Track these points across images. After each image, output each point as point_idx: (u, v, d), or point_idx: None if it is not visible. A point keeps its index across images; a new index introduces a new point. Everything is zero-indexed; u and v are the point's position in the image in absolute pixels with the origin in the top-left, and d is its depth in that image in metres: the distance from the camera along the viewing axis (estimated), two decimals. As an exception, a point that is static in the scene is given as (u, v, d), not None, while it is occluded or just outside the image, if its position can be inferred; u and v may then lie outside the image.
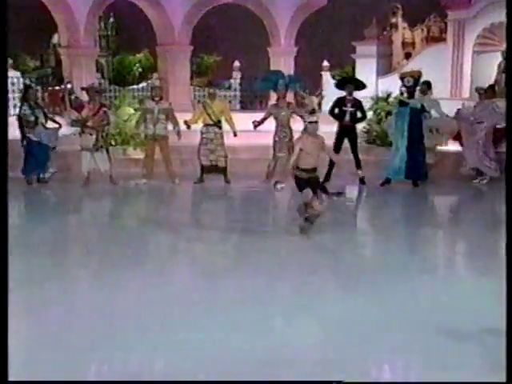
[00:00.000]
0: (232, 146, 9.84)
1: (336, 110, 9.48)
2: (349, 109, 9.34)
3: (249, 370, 3.42)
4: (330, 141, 9.77)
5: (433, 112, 9.73)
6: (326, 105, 10.15)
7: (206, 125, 9.44)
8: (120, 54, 19.94)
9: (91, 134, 9.17)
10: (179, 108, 10.80)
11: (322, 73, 15.53)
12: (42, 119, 9.35)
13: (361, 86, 9.78)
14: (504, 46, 11.93)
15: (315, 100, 8.26)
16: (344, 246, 5.90)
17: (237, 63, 18.14)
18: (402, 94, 9.35)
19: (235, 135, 9.44)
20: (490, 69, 12.39)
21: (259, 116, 9.76)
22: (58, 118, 10.14)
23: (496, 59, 12.38)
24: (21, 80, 13.96)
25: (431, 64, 12.56)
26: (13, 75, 13.43)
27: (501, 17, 11.81)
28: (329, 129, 9.54)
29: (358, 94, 9.66)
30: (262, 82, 10.71)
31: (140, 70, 19.35)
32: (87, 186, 9.20)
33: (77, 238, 7.05)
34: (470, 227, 7.22)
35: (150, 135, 9.52)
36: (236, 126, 9.55)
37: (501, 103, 9.38)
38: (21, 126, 9.21)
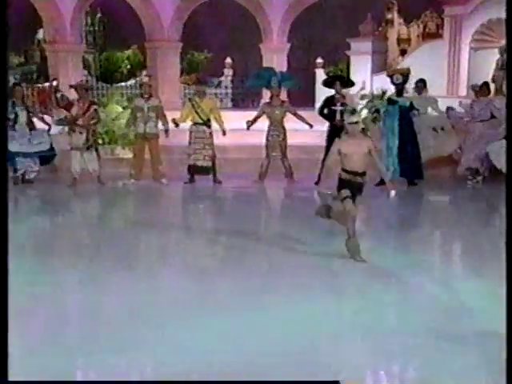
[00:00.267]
0: (223, 145, 9.87)
1: (325, 110, 9.45)
2: (339, 108, 9.30)
3: (240, 372, 3.45)
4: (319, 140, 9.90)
5: (429, 110, 9.80)
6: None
7: (195, 123, 9.46)
8: (107, 50, 19.90)
9: (81, 133, 9.18)
10: (169, 106, 10.83)
11: (316, 70, 15.58)
12: (23, 118, 9.29)
13: (349, 83, 9.80)
14: (502, 43, 12.03)
15: (355, 99, 8.18)
16: (337, 248, 5.93)
17: (228, 60, 18.16)
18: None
19: (224, 134, 9.46)
20: (488, 65, 12.45)
21: (252, 114, 9.80)
22: (46, 118, 10.12)
23: (494, 56, 12.44)
24: (5, 77, 13.91)
25: (427, 61, 12.66)
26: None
27: (498, 13, 11.91)
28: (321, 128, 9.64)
29: (351, 92, 9.69)
30: (254, 79, 10.71)
31: (128, 67, 19.32)
32: (74, 187, 9.20)
33: (62, 239, 7.04)
34: (466, 227, 7.27)
35: (140, 134, 9.53)
36: (227, 124, 9.57)
37: (498, 101, 9.46)
38: None
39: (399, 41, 15.14)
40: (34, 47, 19.47)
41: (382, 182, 9.38)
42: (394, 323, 4.38)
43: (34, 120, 9.59)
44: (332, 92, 9.51)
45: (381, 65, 14.56)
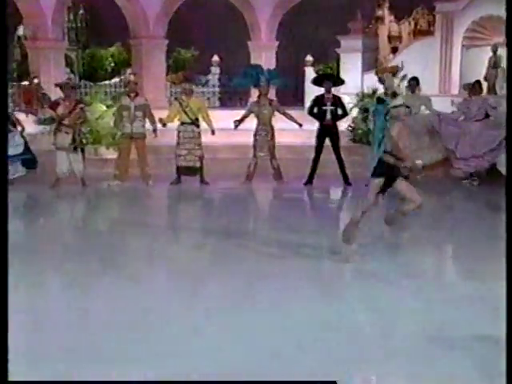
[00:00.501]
0: (210, 144, 9.86)
1: (315, 110, 9.46)
2: (329, 107, 9.29)
3: (231, 374, 3.45)
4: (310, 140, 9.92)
5: (422, 108, 9.82)
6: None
7: (183, 123, 9.44)
8: (91, 47, 19.85)
9: (67, 133, 9.10)
10: (154, 105, 10.80)
11: (305, 68, 15.61)
12: None
13: (339, 81, 9.81)
14: (494, 40, 12.11)
15: (395, 82, 7.98)
16: (327, 250, 5.94)
17: (216, 58, 18.15)
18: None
19: (213, 133, 9.45)
20: (480, 64, 12.50)
21: (239, 113, 9.79)
22: (22, 117, 10.02)
23: (486, 54, 12.48)
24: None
25: (419, 59, 12.69)
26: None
27: (490, 10, 12.01)
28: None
29: (340, 90, 9.68)
30: (241, 77, 10.65)
31: (112, 64, 19.29)
32: (57, 188, 9.14)
33: (44, 242, 6.99)
34: (460, 230, 7.31)
35: (126, 134, 9.47)
36: (215, 124, 9.56)
37: (493, 100, 9.50)
38: None
39: (390, 38, 15.16)
40: (15, 44, 19.36)
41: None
42: (386, 328, 4.39)
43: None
44: (322, 91, 9.52)
45: (371, 62, 14.58)
